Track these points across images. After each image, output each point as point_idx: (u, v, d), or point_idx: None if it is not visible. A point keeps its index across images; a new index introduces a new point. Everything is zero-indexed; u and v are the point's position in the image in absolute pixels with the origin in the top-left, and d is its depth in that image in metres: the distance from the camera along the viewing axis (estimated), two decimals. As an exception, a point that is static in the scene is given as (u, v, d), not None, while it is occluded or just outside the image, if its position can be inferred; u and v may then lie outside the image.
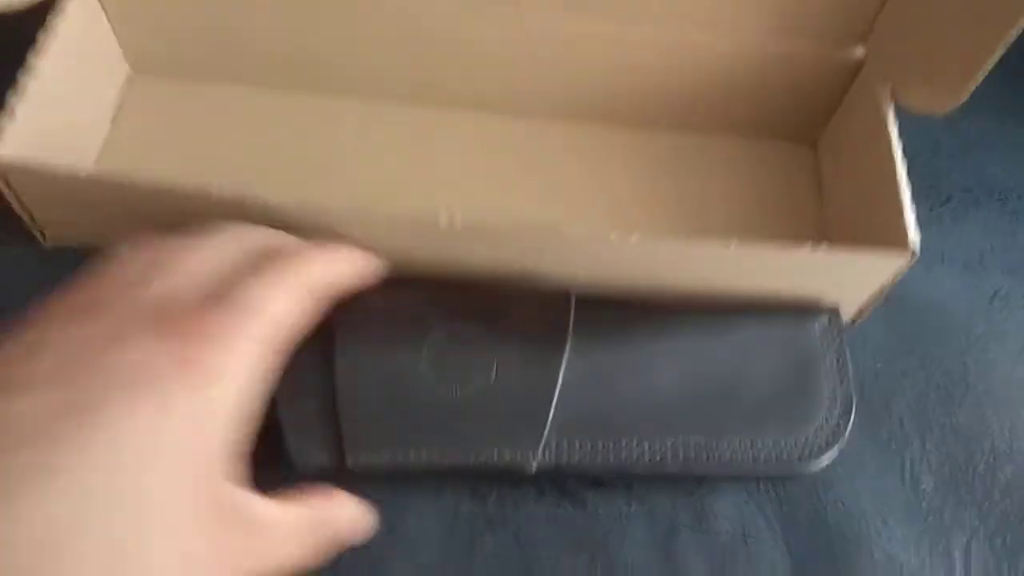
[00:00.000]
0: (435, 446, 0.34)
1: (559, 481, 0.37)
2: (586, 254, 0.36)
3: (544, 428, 0.34)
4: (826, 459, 0.36)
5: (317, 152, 0.44)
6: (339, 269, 0.32)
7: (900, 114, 0.39)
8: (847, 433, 0.36)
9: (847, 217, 0.41)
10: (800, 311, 0.38)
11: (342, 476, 0.34)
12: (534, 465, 0.34)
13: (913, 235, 0.35)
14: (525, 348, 0.35)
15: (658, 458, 0.35)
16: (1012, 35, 0.34)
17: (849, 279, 0.37)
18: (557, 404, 0.35)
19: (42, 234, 0.39)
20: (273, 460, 0.33)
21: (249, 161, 0.43)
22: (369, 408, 0.34)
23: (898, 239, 0.35)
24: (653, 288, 0.38)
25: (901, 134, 0.38)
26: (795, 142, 0.46)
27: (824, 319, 0.38)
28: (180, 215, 0.35)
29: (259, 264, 0.29)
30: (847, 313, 0.40)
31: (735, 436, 0.35)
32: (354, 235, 0.35)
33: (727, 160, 0.45)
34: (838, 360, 0.37)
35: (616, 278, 0.38)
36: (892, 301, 0.42)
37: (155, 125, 0.44)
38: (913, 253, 0.35)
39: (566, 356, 0.35)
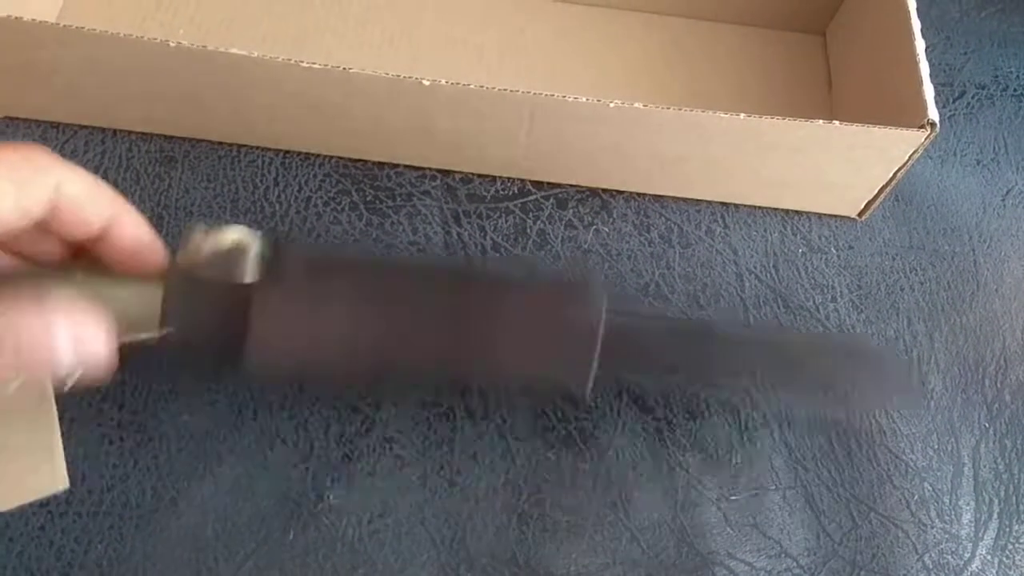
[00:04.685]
0: None
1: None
2: (581, 128, 0.34)
3: None
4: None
5: (289, 18, 0.41)
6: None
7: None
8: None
9: (860, 105, 0.39)
10: None
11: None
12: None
13: (932, 109, 0.33)
14: None
15: None
16: None
17: (863, 158, 0.35)
18: None
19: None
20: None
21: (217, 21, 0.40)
22: None
23: (916, 116, 0.33)
24: (649, 170, 0.36)
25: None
26: (804, 32, 0.43)
27: None
28: (141, 73, 0.33)
29: None
30: (857, 203, 0.38)
31: None
32: (330, 98, 0.32)
33: (735, 49, 0.43)
34: None
35: (610, 158, 0.35)
36: (902, 197, 0.40)
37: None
38: (933, 125, 0.32)
39: None
